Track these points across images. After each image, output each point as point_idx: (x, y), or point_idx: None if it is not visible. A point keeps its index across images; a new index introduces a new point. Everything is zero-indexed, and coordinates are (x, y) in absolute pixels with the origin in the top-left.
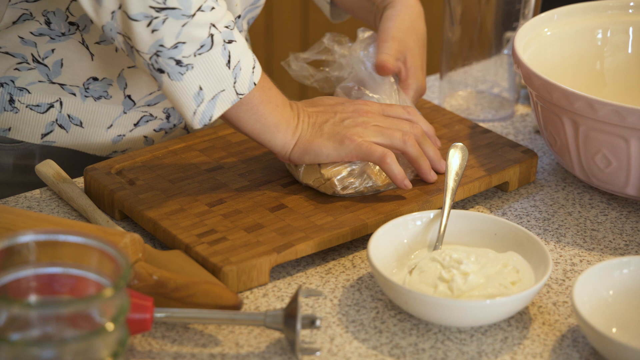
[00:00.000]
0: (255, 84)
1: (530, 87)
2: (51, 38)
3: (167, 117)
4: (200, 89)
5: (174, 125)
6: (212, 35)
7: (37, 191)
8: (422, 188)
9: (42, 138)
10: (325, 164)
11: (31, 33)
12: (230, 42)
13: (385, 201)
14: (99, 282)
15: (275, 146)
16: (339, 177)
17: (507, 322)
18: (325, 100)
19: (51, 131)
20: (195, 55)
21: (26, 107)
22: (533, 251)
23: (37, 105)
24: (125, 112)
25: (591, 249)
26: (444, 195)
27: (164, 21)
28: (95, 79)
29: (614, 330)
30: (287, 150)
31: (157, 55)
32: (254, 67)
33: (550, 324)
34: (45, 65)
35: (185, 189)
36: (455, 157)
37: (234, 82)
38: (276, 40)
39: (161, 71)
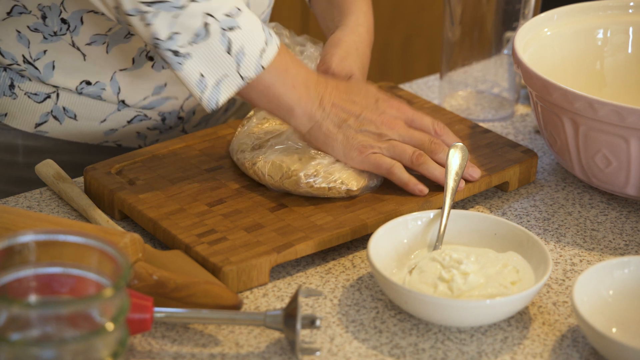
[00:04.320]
0: (263, 68)
1: (530, 87)
2: (44, 37)
3: (163, 120)
4: (202, 75)
5: (170, 127)
6: (207, 25)
7: (37, 191)
8: None
9: (35, 127)
10: (293, 161)
11: (28, 27)
12: (231, 29)
13: (385, 201)
14: (99, 282)
15: (289, 124)
16: (303, 172)
17: (507, 322)
18: (363, 90)
19: (45, 121)
20: (191, 45)
21: (25, 94)
22: (533, 251)
23: (35, 94)
24: (119, 110)
25: (591, 249)
26: (444, 195)
27: (155, 15)
28: (88, 82)
29: (614, 330)
30: (302, 132)
31: (157, 47)
32: (263, 50)
33: (550, 324)
34: (36, 68)
35: (185, 189)
36: (455, 157)
37: (238, 67)
38: None
39: (165, 62)
